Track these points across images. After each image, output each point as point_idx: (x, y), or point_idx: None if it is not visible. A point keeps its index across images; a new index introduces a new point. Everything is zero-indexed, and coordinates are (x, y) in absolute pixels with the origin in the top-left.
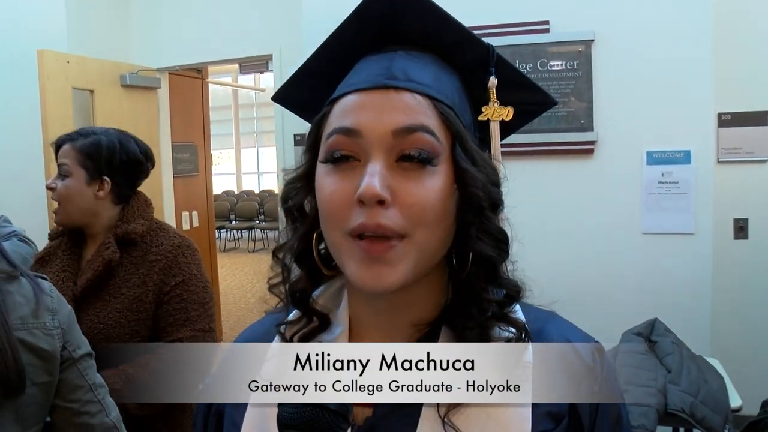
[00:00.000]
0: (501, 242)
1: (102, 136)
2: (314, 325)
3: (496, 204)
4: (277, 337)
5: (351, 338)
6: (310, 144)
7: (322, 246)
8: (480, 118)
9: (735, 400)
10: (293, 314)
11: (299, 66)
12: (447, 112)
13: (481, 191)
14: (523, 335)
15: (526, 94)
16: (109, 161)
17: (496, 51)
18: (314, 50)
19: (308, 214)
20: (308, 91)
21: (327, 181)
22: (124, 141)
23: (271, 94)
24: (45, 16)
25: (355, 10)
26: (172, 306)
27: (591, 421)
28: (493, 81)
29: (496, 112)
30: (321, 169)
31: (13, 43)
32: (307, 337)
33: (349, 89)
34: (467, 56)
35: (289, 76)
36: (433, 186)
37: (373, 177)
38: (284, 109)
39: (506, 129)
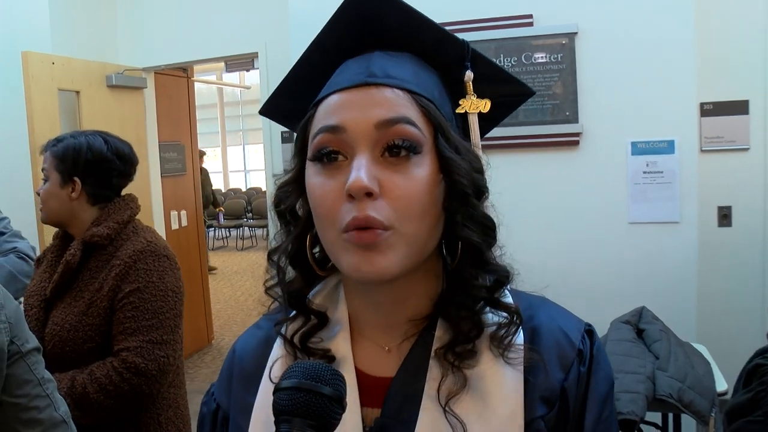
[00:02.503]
0: (488, 228)
1: (71, 139)
2: (313, 323)
3: (481, 191)
4: (278, 342)
5: (351, 336)
6: (299, 147)
7: (317, 249)
8: (458, 111)
9: (721, 385)
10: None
11: (283, 78)
12: (427, 105)
13: (465, 179)
14: (515, 318)
15: (504, 86)
16: (75, 162)
17: (472, 46)
18: (296, 60)
19: (300, 216)
20: (294, 101)
21: (317, 182)
22: (92, 141)
23: (257, 92)
24: (29, 17)
25: (333, 16)
26: (124, 314)
27: (579, 403)
28: (469, 75)
29: (473, 105)
30: (310, 170)
31: None
32: (306, 336)
33: (331, 90)
34: (444, 53)
35: (274, 88)
36: (419, 176)
37: (360, 170)
38: None
39: (489, 122)
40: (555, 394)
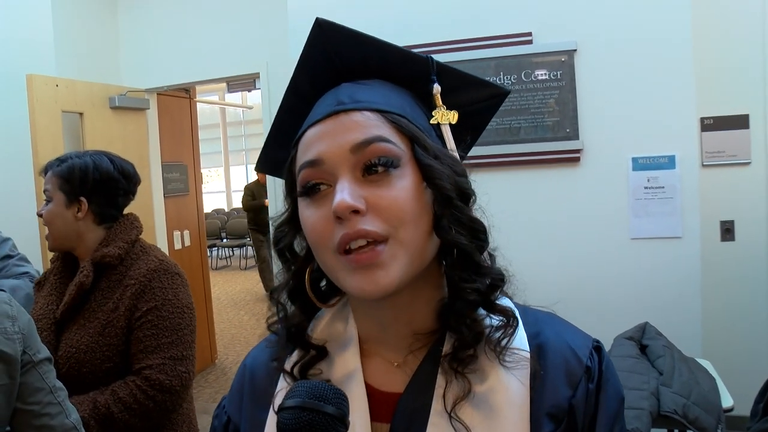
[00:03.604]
0: (476, 231)
1: (76, 159)
2: (312, 355)
3: (467, 194)
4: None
5: (361, 351)
6: (288, 188)
7: (323, 283)
8: (431, 122)
9: (727, 401)
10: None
11: (268, 131)
12: (399, 120)
13: (447, 183)
14: (511, 321)
15: (478, 91)
16: (82, 182)
17: (436, 60)
18: (276, 113)
19: (299, 253)
20: (283, 149)
21: (308, 214)
22: (98, 160)
23: (259, 111)
24: (33, 40)
25: (300, 59)
26: (143, 332)
27: (589, 420)
28: (436, 88)
29: (444, 116)
30: (301, 205)
31: (2, 68)
32: (305, 367)
33: (306, 126)
34: (411, 72)
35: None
36: (403, 187)
37: (343, 192)
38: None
39: (474, 129)
40: (563, 411)
